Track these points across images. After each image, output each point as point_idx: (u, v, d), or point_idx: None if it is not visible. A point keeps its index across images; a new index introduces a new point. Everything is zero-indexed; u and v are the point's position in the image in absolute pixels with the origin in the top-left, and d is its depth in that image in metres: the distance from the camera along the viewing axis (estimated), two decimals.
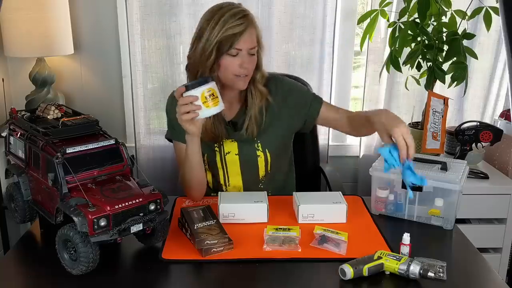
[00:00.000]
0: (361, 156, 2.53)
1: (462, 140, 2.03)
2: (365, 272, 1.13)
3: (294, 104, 1.64)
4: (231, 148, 1.62)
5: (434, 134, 2.02)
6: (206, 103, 1.33)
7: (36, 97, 2.19)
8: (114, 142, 1.23)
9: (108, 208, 1.09)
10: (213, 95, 1.34)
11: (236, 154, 1.62)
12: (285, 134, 1.68)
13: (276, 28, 2.30)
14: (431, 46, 2.04)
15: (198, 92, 1.32)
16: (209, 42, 1.47)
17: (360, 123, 1.55)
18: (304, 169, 1.98)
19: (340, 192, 1.51)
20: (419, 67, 2.16)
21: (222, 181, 1.65)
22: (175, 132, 1.64)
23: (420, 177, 1.28)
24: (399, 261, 1.13)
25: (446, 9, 2.07)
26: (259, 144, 1.61)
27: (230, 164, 1.63)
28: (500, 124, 2.33)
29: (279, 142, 1.66)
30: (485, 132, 2.00)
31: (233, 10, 1.48)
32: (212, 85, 1.34)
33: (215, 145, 1.62)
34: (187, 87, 1.33)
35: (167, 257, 1.22)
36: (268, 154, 1.62)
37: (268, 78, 1.63)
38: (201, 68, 1.51)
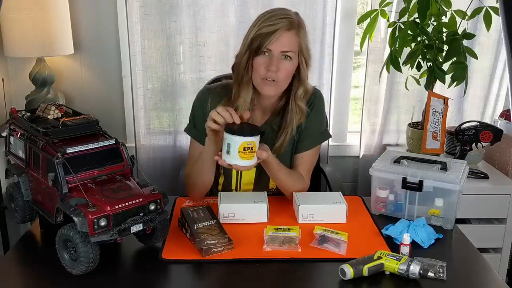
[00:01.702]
0: (361, 156, 2.53)
1: (462, 140, 2.03)
2: (365, 272, 1.13)
3: (304, 127, 1.59)
4: None
5: (434, 134, 2.02)
6: (242, 153, 1.29)
7: (36, 97, 2.19)
8: (114, 142, 1.23)
9: (108, 208, 1.09)
10: (252, 149, 1.30)
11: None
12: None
13: None
14: (431, 46, 2.04)
15: (239, 140, 1.28)
16: (246, 41, 1.46)
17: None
18: None
19: (340, 192, 1.51)
20: (419, 67, 2.16)
21: (233, 187, 1.64)
22: (195, 130, 1.60)
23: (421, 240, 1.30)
24: (399, 261, 1.13)
25: (446, 9, 2.07)
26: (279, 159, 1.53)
27: (245, 174, 1.61)
28: (500, 124, 2.33)
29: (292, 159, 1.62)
30: (485, 132, 2.00)
31: (276, 12, 1.46)
32: (255, 139, 1.30)
33: None
34: (232, 131, 1.29)
35: (167, 257, 1.22)
36: None
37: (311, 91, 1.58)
38: (239, 68, 1.48)
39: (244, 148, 1.28)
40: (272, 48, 1.42)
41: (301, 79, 1.51)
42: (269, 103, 1.57)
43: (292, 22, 1.44)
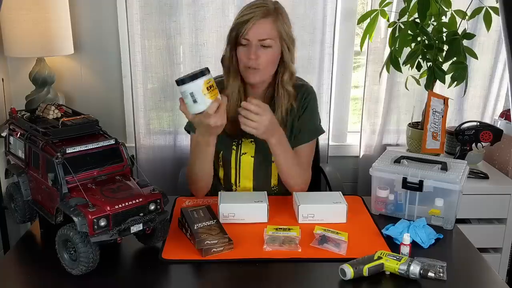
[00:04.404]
0: (361, 156, 2.53)
1: (462, 140, 2.03)
2: (365, 272, 1.13)
3: (299, 122, 1.61)
4: (248, 149, 1.61)
5: (434, 134, 2.02)
6: (208, 94, 1.28)
7: (36, 97, 2.19)
8: (114, 142, 1.23)
9: (108, 208, 1.09)
10: (213, 86, 1.30)
11: (252, 156, 1.61)
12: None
13: None
14: (431, 46, 2.04)
15: (201, 81, 1.26)
16: (228, 33, 1.51)
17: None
18: None
19: (340, 192, 1.51)
20: (419, 67, 2.16)
21: (233, 181, 1.65)
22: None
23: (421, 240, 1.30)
24: (399, 261, 1.13)
25: (446, 9, 2.07)
26: None
27: (243, 166, 1.62)
28: (500, 124, 2.33)
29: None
30: (485, 132, 1.99)
31: (253, 2, 1.50)
32: (210, 75, 1.29)
33: (233, 143, 1.61)
34: (188, 79, 1.26)
35: (167, 257, 1.22)
36: None
37: (300, 85, 1.61)
38: (224, 59, 1.55)
39: (207, 88, 1.28)
40: (249, 38, 1.46)
41: (286, 64, 1.54)
42: (260, 92, 1.59)
43: (268, 10, 1.48)
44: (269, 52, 1.49)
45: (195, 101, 1.29)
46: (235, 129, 1.52)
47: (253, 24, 1.45)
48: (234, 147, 1.61)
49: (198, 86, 1.27)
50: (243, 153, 1.61)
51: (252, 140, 1.60)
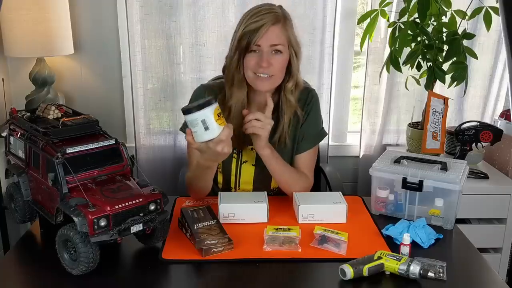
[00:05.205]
0: (361, 156, 2.53)
1: (462, 140, 2.03)
2: (365, 272, 1.13)
3: (302, 128, 1.60)
4: (249, 157, 1.59)
5: (434, 134, 2.02)
6: (218, 120, 1.26)
7: (36, 97, 2.19)
8: (114, 142, 1.23)
9: (108, 208, 1.09)
10: (221, 113, 1.28)
11: (253, 165, 1.59)
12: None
13: None
14: (431, 46, 2.04)
15: (212, 109, 1.24)
16: (234, 41, 1.46)
17: None
18: None
19: (340, 192, 1.51)
20: (419, 67, 2.16)
21: (232, 185, 1.64)
22: None
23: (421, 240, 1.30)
24: (399, 261, 1.13)
25: (446, 9, 2.07)
26: None
27: (244, 173, 1.61)
28: (500, 124, 2.33)
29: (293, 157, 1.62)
30: (485, 132, 2.00)
31: (260, 7, 1.46)
32: (217, 104, 1.27)
33: (234, 151, 1.57)
34: (200, 106, 1.23)
35: (167, 257, 1.22)
36: None
37: (303, 88, 1.58)
38: (230, 68, 1.49)
39: (217, 115, 1.26)
40: (260, 43, 1.42)
41: (292, 72, 1.51)
42: (264, 99, 1.56)
43: (277, 16, 1.44)
44: (280, 58, 1.45)
45: (206, 128, 1.25)
46: (240, 142, 1.52)
47: (266, 30, 1.41)
48: (235, 155, 1.59)
49: (210, 113, 1.24)
50: (244, 161, 1.60)
51: (253, 147, 1.58)
